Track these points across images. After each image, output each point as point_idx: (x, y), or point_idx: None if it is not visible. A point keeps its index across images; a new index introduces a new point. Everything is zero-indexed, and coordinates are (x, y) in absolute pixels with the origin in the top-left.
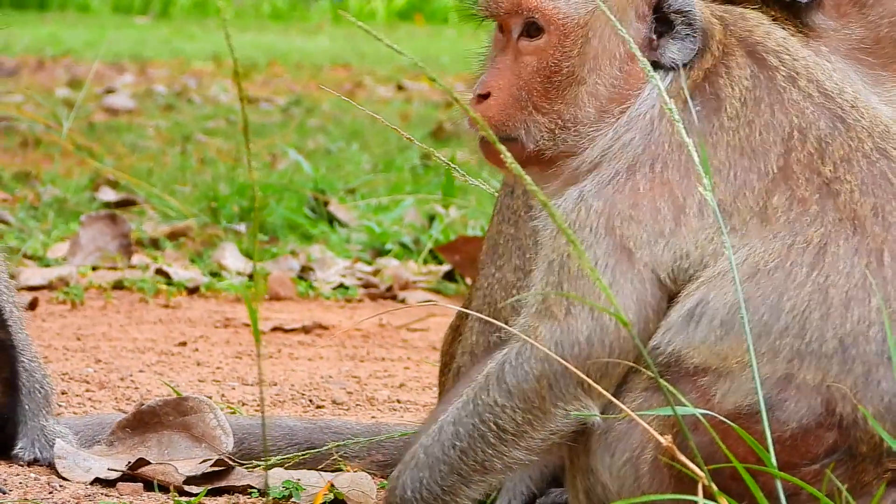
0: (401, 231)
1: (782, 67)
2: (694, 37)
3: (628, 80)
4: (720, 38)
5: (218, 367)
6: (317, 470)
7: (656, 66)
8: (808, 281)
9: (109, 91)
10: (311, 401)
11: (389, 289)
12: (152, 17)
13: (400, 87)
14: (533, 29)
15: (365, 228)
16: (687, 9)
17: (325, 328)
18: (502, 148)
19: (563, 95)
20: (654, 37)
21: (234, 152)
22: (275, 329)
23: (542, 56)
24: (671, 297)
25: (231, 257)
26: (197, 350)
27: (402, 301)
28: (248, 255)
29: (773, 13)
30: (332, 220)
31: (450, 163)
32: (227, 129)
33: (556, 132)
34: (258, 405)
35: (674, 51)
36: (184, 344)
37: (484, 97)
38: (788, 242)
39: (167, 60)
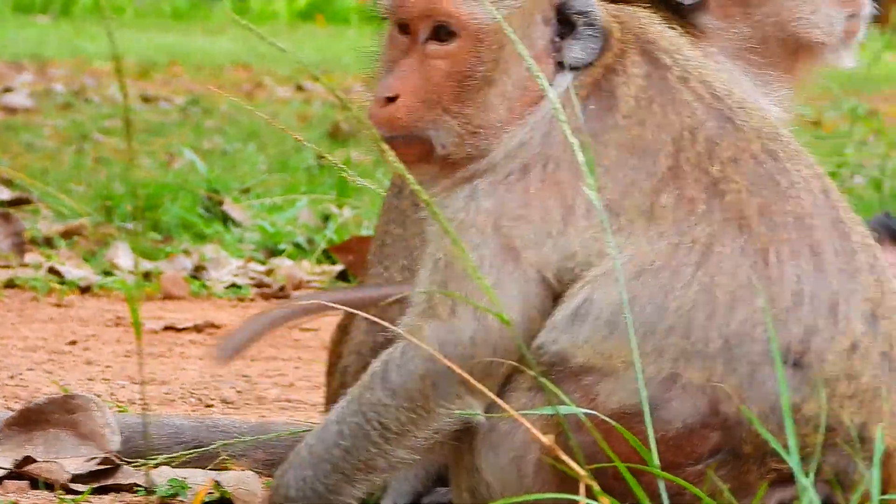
0: (295, 231)
1: (675, 67)
2: (596, 36)
3: (533, 86)
4: (618, 36)
5: (108, 366)
6: (204, 469)
7: (563, 66)
8: (693, 281)
9: (7, 90)
10: (200, 399)
11: (282, 288)
12: (53, 17)
13: (300, 88)
14: (443, 33)
15: (259, 228)
16: (587, 9)
17: (217, 327)
18: (385, 146)
19: (473, 99)
20: (558, 38)
21: (129, 151)
22: (167, 328)
23: (454, 61)
24: (557, 297)
25: (124, 256)
26: (87, 349)
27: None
28: (142, 253)
29: (660, 14)
30: (226, 219)
31: (341, 164)
32: (125, 129)
33: (465, 136)
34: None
35: (577, 51)
36: (74, 343)
37: (391, 100)
38: (675, 242)
39: (67, 59)
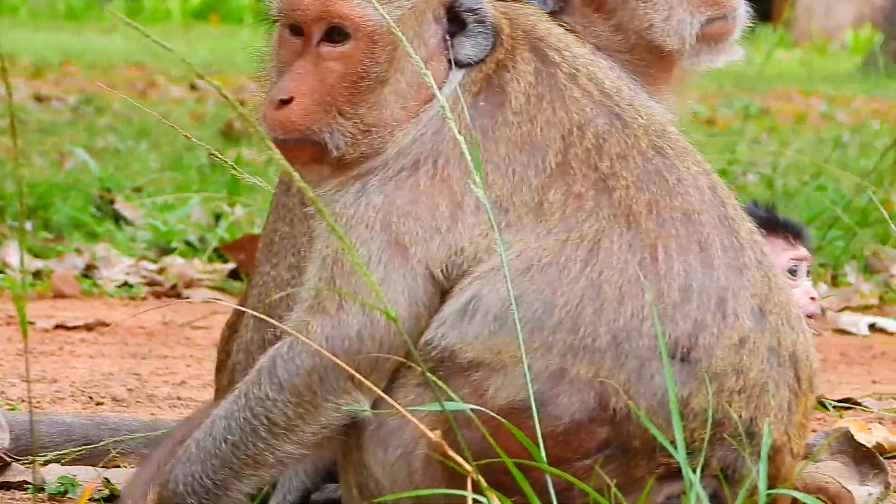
0: (186, 229)
1: (564, 64)
2: (486, 33)
3: (431, 76)
4: (508, 32)
5: None
6: (94, 466)
7: (455, 64)
8: (581, 276)
9: None
10: (90, 398)
11: (174, 287)
12: None
13: (193, 87)
14: (337, 34)
15: (150, 227)
16: (477, 7)
17: (108, 325)
18: (275, 148)
19: (367, 99)
20: (449, 36)
21: (21, 150)
22: (57, 327)
23: (349, 62)
24: (445, 293)
25: (14, 255)
26: None
27: (187, 299)
28: (32, 252)
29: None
30: (117, 218)
31: (232, 163)
32: (11, 127)
33: (359, 136)
34: (38, 402)
35: (467, 48)
36: None
37: (286, 102)
38: (563, 238)
39: None
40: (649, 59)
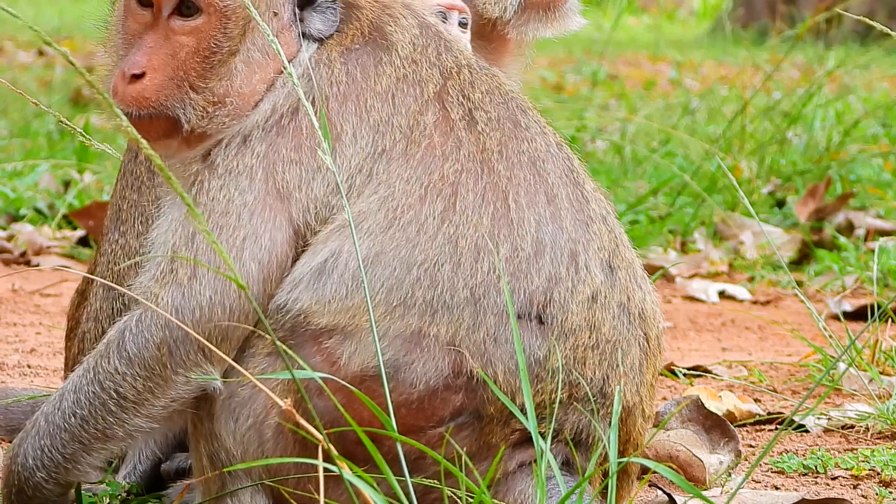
0: (36, 196)
1: (439, 24)
2: (334, 8)
3: (283, 48)
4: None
5: None
6: None
7: (304, 37)
8: (439, 233)
9: None
10: None
11: (23, 254)
12: None
13: (41, 53)
14: (187, 8)
15: None
16: None
17: None
18: (121, 115)
19: (219, 72)
20: (299, 10)
21: None
22: None
23: (200, 36)
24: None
25: None
26: None
27: (37, 266)
28: None
29: None
30: None
31: (80, 130)
32: None
33: (211, 109)
34: None
35: (317, 22)
36: None
37: (138, 77)
38: (424, 183)
39: None
40: (480, 28)
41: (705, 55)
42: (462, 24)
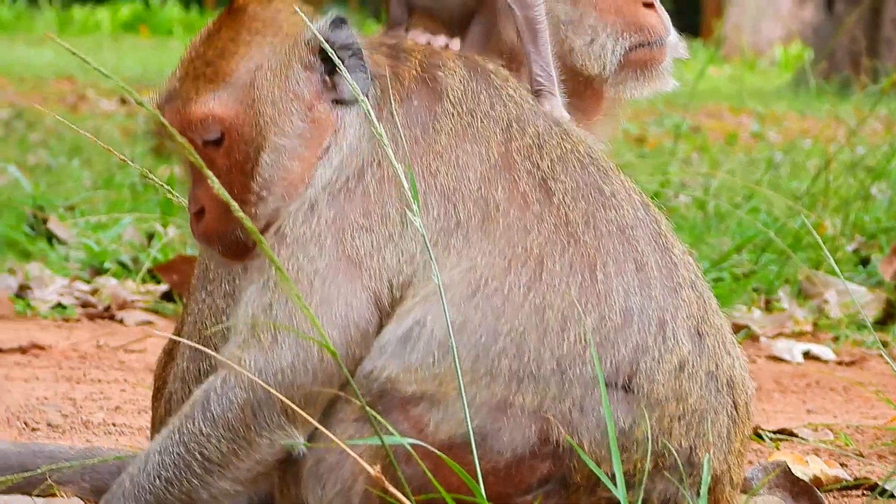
0: (120, 249)
1: (495, 72)
2: (364, 65)
3: (318, 124)
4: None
5: None
6: (30, 495)
7: (340, 103)
8: (525, 302)
9: None
10: (26, 423)
11: (108, 308)
12: None
13: (123, 101)
14: (214, 141)
15: (84, 246)
16: (349, 41)
17: (42, 348)
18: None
19: (262, 174)
20: (328, 77)
21: None
22: None
23: (232, 155)
24: (387, 316)
25: None
26: None
27: (121, 321)
28: None
29: None
30: (51, 237)
31: (164, 184)
32: None
33: (265, 205)
34: None
35: (347, 89)
36: None
37: (200, 213)
38: (508, 255)
39: None
40: (574, 85)
41: (787, 107)
42: None
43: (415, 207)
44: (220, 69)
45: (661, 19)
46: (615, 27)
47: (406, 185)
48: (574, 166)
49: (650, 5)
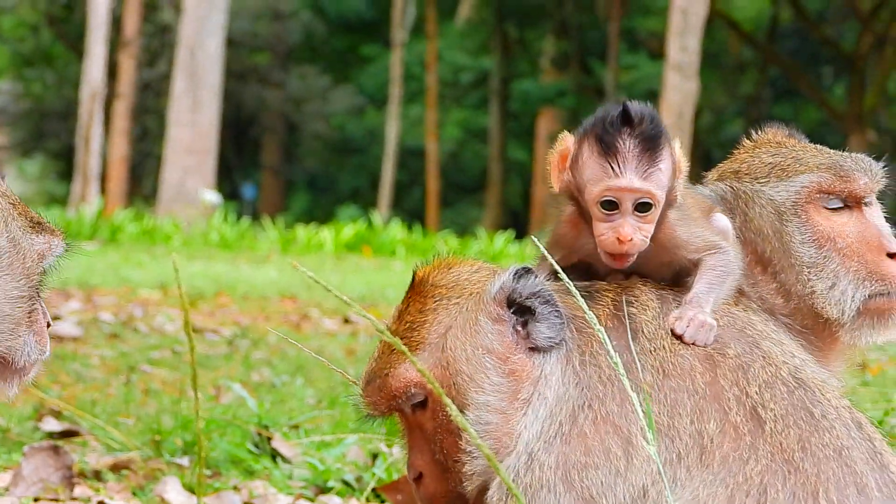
0: (343, 468)
1: (671, 295)
2: (558, 311)
3: (517, 375)
4: (610, 290)
5: None
6: None
7: (536, 350)
8: None
9: (55, 318)
10: None
11: None
12: (100, 243)
13: (346, 321)
14: (415, 405)
15: (308, 465)
16: (538, 289)
17: None
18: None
19: (467, 438)
20: (520, 328)
21: (178, 384)
22: None
23: (437, 416)
24: None
25: (173, 491)
26: None
27: None
28: (191, 489)
29: None
30: (275, 455)
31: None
32: (173, 360)
33: (476, 463)
34: None
35: (543, 330)
36: None
37: (420, 479)
38: (730, 485)
39: (114, 288)
40: (811, 326)
41: None
42: (642, 208)
43: (649, 435)
44: (412, 340)
45: None
46: (858, 274)
47: (640, 412)
48: (780, 391)
49: (894, 256)
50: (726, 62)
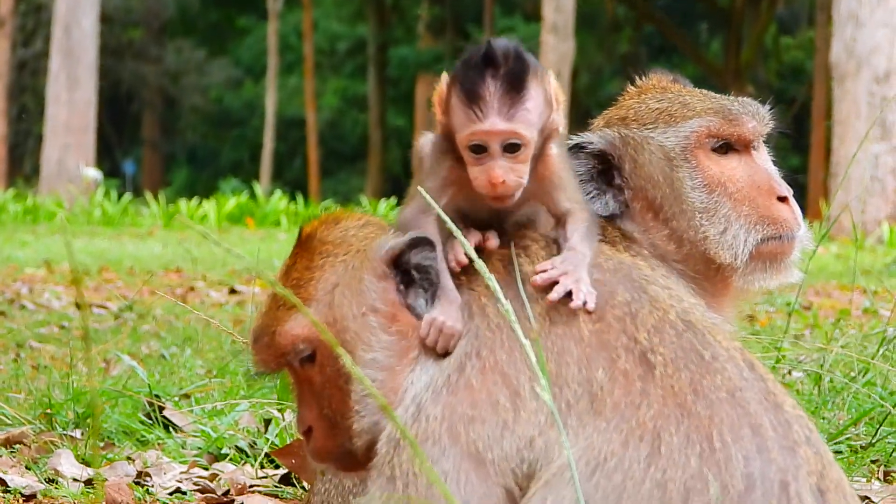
0: (236, 435)
1: None
2: (435, 292)
3: (404, 334)
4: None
5: None
6: None
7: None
8: (646, 478)
9: None
10: None
11: (226, 493)
12: None
13: (233, 291)
14: (305, 358)
15: (201, 433)
16: (426, 263)
17: None
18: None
19: (356, 388)
20: (403, 287)
21: (67, 358)
22: None
23: (325, 371)
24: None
25: (67, 463)
26: None
27: None
28: (85, 461)
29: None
30: (167, 425)
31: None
32: (61, 335)
33: (365, 419)
34: None
35: (421, 304)
36: None
37: (309, 432)
38: (624, 430)
39: None
40: (703, 272)
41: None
42: (511, 149)
43: (543, 381)
44: (299, 296)
45: (793, 214)
46: (749, 218)
47: (534, 360)
48: (670, 335)
49: (784, 199)
50: (602, 22)
